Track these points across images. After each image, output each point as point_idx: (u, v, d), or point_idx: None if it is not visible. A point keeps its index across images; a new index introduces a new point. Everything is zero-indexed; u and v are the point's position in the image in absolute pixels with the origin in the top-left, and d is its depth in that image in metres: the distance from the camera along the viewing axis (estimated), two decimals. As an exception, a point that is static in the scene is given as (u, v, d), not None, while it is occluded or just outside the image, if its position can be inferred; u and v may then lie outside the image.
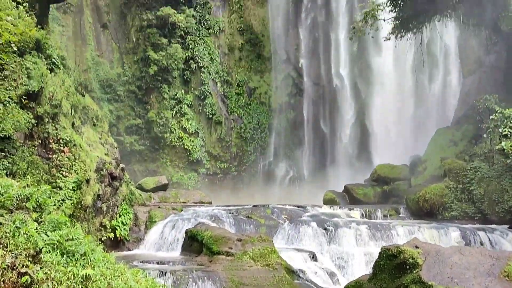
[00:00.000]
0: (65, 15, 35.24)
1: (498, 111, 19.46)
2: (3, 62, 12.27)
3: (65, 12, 35.10)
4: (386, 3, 23.01)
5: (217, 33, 39.57)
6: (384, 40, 24.53)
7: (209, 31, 39.20)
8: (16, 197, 7.67)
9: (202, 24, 38.89)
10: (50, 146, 13.84)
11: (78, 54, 35.25)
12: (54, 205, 11.80)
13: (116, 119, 36.35)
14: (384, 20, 23.79)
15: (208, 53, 38.76)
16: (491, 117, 19.97)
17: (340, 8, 36.48)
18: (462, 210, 20.16)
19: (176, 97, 37.31)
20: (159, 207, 20.05)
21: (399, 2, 22.65)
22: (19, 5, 14.43)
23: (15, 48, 12.57)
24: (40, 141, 13.65)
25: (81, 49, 35.75)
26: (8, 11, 13.17)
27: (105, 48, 37.12)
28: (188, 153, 37.03)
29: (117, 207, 17.52)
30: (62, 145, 13.96)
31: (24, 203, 8.00)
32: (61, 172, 13.51)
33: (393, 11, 23.33)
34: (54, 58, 15.74)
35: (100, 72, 36.36)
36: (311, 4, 38.18)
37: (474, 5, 21.42)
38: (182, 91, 37.74)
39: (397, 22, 23.70)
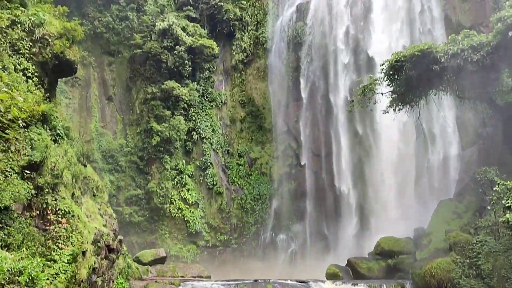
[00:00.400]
0: (73, 88, 36.37)
1: (501, 183, 19.36)
2: (9, 137, 12.45)
3: (72, 85, 36.26)
4: (383, 78, 23.75)
5: (220, 105, 40.74)
6: (383, 113, 24.99)
7: (212, 104, 40.33)
8: (8, 270, 7.41)
9: (205, 97, 40.10)
10: (48, 217, 13.64)
11: (83, 125, 36.00)
12: (47, 279, 11.38)
13: (117, 189, 36.19)
14: (382, 94, 24.43)
15: (210, 125, 39.55)
16: (494, 189, 19.83)
17: (340, 121, 36.80)
18: (471, 286, 19.39)
19: (177, 167, 37.44)
20: (156, 282, 19.35)
21: (395, 77, 23.41)
22: (28, 79, 14.96)
23: (22, 124, 12.81)
24: (38, 212, 13.48)
25: (85, 120, 36.54)
26: (18, 85, 13.61)
27: (109, 120, 37.95)
28: (188, 225, 36.32)
29: (113, 281, 16.88)
30: (60, 216, 13.77)
31: (17, 277, 7.71)
32: (57, 244, 13.18)
33: (390, 85, 24.04)
34: (58, 129, 16.02)
35: (103, 142, 36.86)
36: (309, 110, 38.92)
37: (468, 81, 22.10)
38: (184, 161, 37.98)
39: (394, 96, 24.33)
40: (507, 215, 17.69)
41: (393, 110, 24.64)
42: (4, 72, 13.78)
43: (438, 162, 31.93)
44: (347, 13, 37.12)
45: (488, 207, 21.14)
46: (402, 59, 22.32)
